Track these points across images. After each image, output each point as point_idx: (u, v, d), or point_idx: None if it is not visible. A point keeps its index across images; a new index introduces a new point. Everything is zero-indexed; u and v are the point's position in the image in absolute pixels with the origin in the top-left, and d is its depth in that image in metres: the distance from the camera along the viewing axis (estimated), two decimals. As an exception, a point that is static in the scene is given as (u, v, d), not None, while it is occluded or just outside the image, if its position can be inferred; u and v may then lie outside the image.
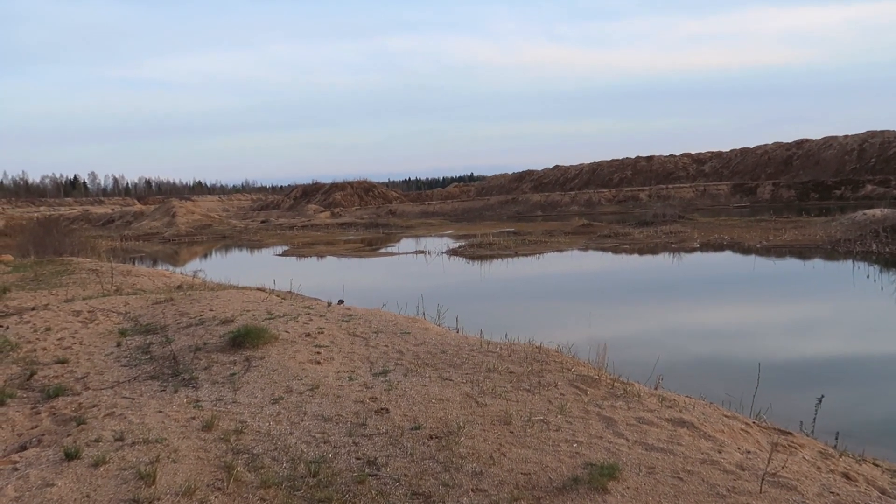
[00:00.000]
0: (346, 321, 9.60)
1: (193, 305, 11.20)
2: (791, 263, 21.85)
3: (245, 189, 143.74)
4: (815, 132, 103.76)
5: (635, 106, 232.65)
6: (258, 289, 14.43)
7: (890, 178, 60.50)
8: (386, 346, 8.25)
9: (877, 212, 26.52)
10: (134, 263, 27.13)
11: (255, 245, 44.23)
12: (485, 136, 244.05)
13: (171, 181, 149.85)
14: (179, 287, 14.80)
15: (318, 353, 7.89)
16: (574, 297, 18.65)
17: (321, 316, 9.95)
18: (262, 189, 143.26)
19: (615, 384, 6.80)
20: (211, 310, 10.63)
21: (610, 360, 7.77)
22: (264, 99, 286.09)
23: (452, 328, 10.53)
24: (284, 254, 35.80)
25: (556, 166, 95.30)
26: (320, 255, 33.91)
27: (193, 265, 33.41)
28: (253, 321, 9.24)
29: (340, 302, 17.19)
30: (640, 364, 8.71)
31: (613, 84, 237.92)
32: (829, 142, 75.29)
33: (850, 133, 74.99)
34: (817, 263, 21.35)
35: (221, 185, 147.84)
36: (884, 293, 16.55)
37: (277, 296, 13.69)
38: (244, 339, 8.09)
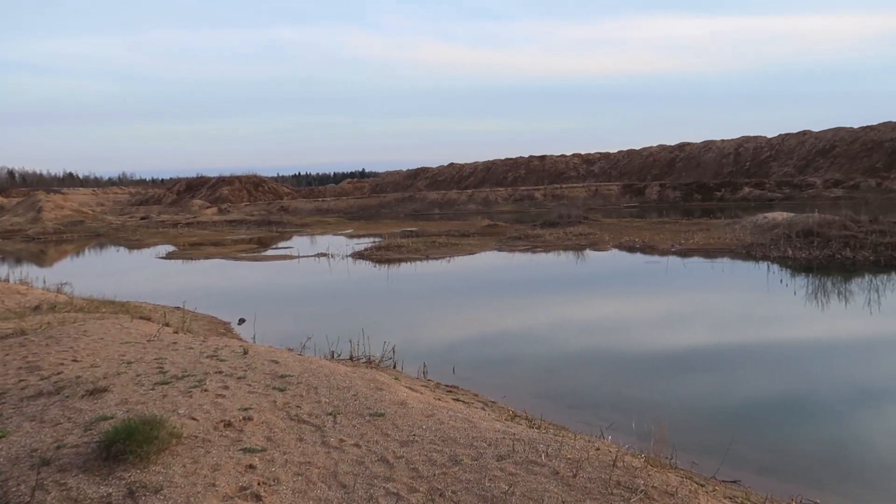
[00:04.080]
0: (281, 391, 6.50)
1: (50, 350, 8.19)
2: (711, 267, 21.80)
3: (122, 182, 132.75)
4: (696, 136, 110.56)
5: (525, 106, 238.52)
6: (142, 318, 11.30)
7: (764, 181, 64.60)
8: (357, 445, 5.21)
9: (778, 215, 27.37)
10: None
11: (134, 245, 40.09)
12: (376, 131, 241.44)
13: (39, 172, 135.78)
14: (37, 308, 11.91)
15: (252, 469, 4.74)
16: (529, 312, 16.68)
17: (240, 378, 6.81)
18: (142, 182, 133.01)
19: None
20: (75, 359, 7.61)
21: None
22: (145, 87, 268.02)
23: (418, 375, 8.52)
24: (169, 256, 32.36)
25: (451, 164, 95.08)
26: (210, 258, 30.89)
27: (61, 269, 29.39)
28: (137, 396, 6.13)
29: (241, 321, 15.04)
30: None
31: (503, 84, 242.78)
32: (708, 145, 79.68)
33: (727, 138, 79.79)
34: (737, 267, 21.41)
35: (96, 178, 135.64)
36: (796, 297, 16.47)
37: (169, 327, 10.63)
38: (125, 448, 4.71)
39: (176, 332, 9.38)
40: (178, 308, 15.20)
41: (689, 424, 7.72)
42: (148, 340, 8.54)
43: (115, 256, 36.12)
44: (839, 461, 6.98)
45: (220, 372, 6.88)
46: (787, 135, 75.22)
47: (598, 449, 5.14)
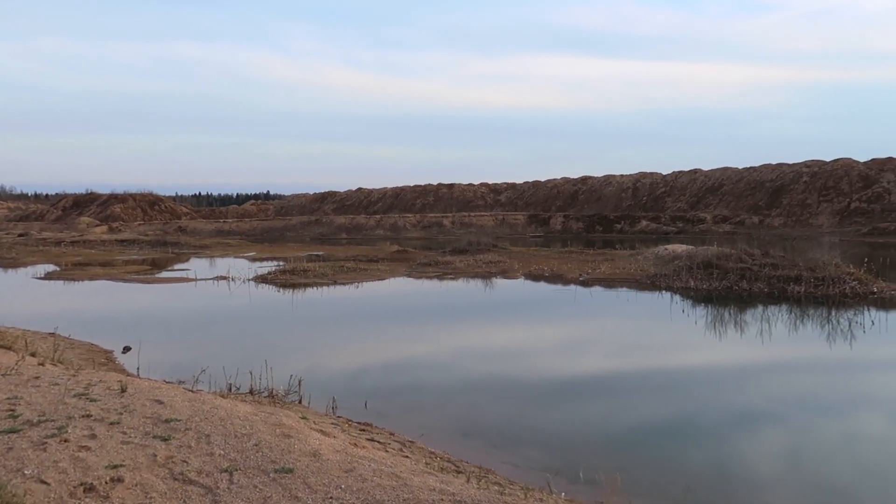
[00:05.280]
0: (164, 440, 5.31)
1: None
2: (617, 297, 22.13)
3: (1, 196, 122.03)
4: (597, 170, 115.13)
5: (434, 135, 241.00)
6: (0, 347, 9.58)
7: (660, 215, 67.83)
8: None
9: (678, 247, 28.41)
10: None
11: (8, 263, 36.51)
12: (281, 153, 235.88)
13: None
14: None
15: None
16: (441, 340, 16.16)
17: (112, 423, 5.50)
18: (23, 197, 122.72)
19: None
20: None
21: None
22: (31, 96, 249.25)
23: (327, 411, 7.56)
24: (48, 276, 29.57)
25: (360, 189, 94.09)
26: (95, 279, 28.45)
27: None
28: None
29: (126, 350, 13.51)
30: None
31: (412, 112, 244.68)
32: (608, 180, 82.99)
33: (625, 173, 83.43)
34: (642, 297, 21.82)
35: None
36: (696, 326, 16.96)
37: (34, 357, 9.05)
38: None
39: (41, 364, 7.91)
40: (51, 334, 13.46)
41: (635, 463, 7.33)
42: (3, 374, 7.09)
43: (-15, 276, 32.67)
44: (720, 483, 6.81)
45: (89, 415, 5.60)
46: (679, 172, 79.53)
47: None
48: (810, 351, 14.73)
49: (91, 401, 5.99)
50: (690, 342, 15.45)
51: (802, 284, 20.81)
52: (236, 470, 4.81)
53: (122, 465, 4.70)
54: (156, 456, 4.94)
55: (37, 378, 6.89)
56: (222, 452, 5.11)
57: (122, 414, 5.69)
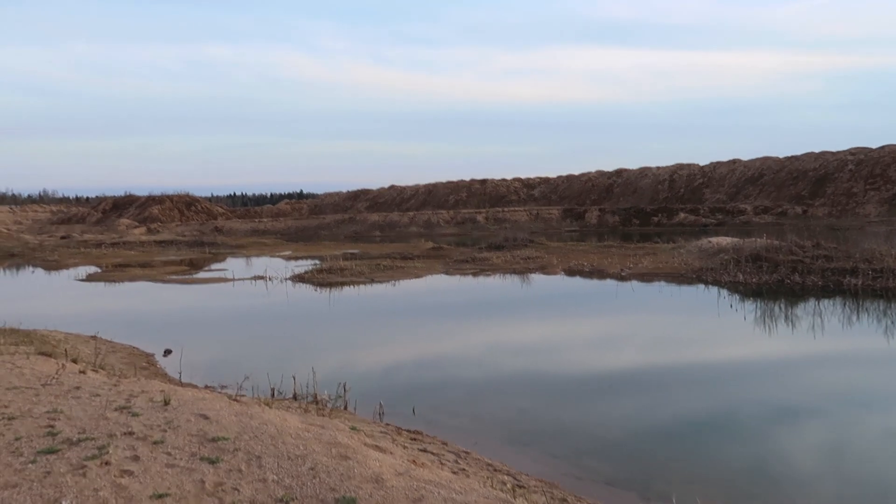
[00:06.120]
0: (212, 462, 4.85)
1: None
2: (660, 292, 21.46)
3: (44, 200, 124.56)
4: (632, 162, 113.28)
5: (464, 131, 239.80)
6: (41, 354, 9.22)
7: (699, 206, 66.27)
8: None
9: (722, 240, 27.48)
10: None
11: (51, 266, 37.18)
12: (314, 152, 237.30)
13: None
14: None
15: None
16: (487, 339, 15.50)
17: (156, 442, 5.07)
18: (65, 200, 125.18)
19: None
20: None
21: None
22: (68, 102, 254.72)
23: (374, 418, 6.99)
24: (90, 278, 29.94)
25: (392, 186, 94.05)
26: (135, 280, 28.70)
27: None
28: (9, 473, 4.38)
29: (167, 353, 13.36)
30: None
31: (441, 108, 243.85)
32: (644, 172, 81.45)
33: (661, 165, 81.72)
34: (689, 292, 21.11)
35: (14, 195, 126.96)
36: (751, 323, 16.31)
37: (75, 364, 8.64)
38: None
39: (82, 372, 7.61)
40: (92, 337, 13.38)
41: (704, 474, 6.80)
42: (43, 384, 6.77)
43: (29, 278, 33.29)
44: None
45: (131, 433, 5.19)
46: (718, 163, 77.65)
47: None
48: (867, 345, 14.11)
49: (133, 415, 5.68)
50: (750, 340, 14.81)
51: (860, 277, 19.85)
52: (293, 500, 4.35)
53: (167, 495, 4.27)
54: (204, 482, 4.49)
55: (77, 388, 6.60)
56: (276, 478, 4.63)
57: (165, 431, 5.31)
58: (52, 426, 5.11)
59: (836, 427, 8.87)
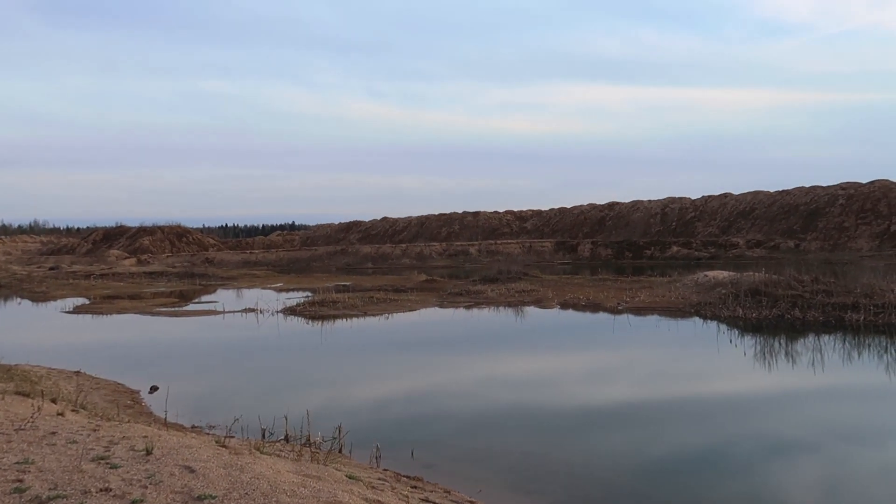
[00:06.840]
0: None
1: None
2: (657, 326, 21.13)
3: (34, 230, 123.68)
4: (624, 196, 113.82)
5: (456, 164, 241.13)
6: (18, 394, 8.63)
7: (691, 240, 66.37)
8: None
9: (718, 274, 27.27)
10: None
11: (38, 297, 36.52)
12: (307, 184, 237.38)
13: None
14: None
15: None
16: (484, 377, 14.93)
17: (136, 501, 4.43)
18: (55, 231, 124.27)
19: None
20: None
21: None
22: (59, 133, 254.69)
23: (370, 462, 6.64)
24: (77, 310, 29.33)
25: (385, 218, 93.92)
26: (124, 312, 28.10)
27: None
28: None
29: (154, 389, 12.83)
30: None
31: (434, 141, 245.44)
32: (636, 205, 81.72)
33: (653, 198, 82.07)
34: (687, 327, 20.78)
35: (4, 225, 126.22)
36: (754, 359, 15.98)
37: (54, 405, 8.00)
38: None
39: (60, 414, 7.04)
40: (76, 373, 12.87)
41: None
42: (17, 429, 6.18)
43: (15, 310, 32.62)
44: None
45: (108, 489, 4.57)
46: (709, 196, 78.05)
47: None
48: (868, 381, 13.88)
49: (112, 467, 5.11)
50: (752, 376, 14.47)
51: (861, 312, 19.59)
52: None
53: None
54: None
55: (53, 434, 6.01)
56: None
57: (146, 487, 4.72)
58: (20, 480, 4.56)
59: (835, 464, 8.79)
